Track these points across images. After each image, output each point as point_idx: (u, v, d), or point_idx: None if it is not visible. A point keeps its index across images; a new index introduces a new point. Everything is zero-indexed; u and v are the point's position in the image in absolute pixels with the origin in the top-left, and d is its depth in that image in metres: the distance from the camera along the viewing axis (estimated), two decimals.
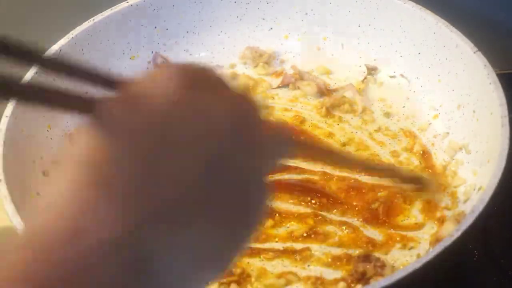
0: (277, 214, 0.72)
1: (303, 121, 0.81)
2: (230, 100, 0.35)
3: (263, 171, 0.37)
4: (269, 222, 0.71)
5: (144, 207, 0.30)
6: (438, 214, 0.70)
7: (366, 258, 0.66)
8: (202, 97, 0.33)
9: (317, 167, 0.75)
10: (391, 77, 0.83)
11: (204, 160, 0.32)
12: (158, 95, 0.32)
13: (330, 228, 0.70)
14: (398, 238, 0.69)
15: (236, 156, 0.34)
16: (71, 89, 0.32)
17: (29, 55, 0.31)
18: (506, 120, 0.65)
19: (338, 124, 0.80)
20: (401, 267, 0.66)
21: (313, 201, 0.72)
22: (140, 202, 0.30)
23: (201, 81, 0.34)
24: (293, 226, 0.71)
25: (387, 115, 0.80)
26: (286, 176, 0.75)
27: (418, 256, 0.67)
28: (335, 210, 0.72)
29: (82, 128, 0.32)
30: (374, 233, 0.70)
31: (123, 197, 0.30)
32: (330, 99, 0.81)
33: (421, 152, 0.76)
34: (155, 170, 0.31)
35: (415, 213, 0.71)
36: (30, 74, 0.68)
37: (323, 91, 0.83)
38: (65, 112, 0.32)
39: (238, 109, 0.35)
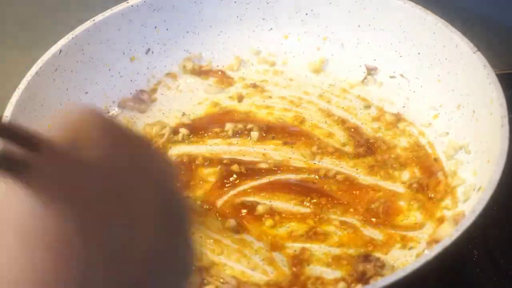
0: (277, 214, 0.72)
1: (303, 121, 0.81)
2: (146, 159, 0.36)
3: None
4: (269, 222, 0.71)
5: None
6: (438, 214, 0.70)
7: (366, 258, 0.66)
8: (124, 153, 0.34)
9: (317, 167, 0.76)
10: (391, 77, 0.83)
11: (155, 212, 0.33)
12: (86, 150, 0.32)
13: (330, 228, 0.70)
14: (398, 238, 0.69)
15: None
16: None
17: None
18: (506, 120, 0.65)
19: (338, 124, 0.80)
20: (401, 267, 0.65)
21: (313, 201, 0.72)
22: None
23: (119, 137, 0.35)
24: (293, 226, 0.71)
25: (387, 115, 0.80)
26: (285, 176, 0.75)
27: (418, 256, 0.67)
28: (335, 210, 0.72)
29: (11, 189, 0.31)
30: (374, 233, 0.70)
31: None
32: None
33: (421, 152, 0.76)
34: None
35: (415, 213, 0.71)
36: None
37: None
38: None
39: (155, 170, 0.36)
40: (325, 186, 0.74)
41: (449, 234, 0.60)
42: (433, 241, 0.66)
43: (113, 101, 0.83)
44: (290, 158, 0.77)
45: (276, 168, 0.76)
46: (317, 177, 0.75)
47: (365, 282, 0.65)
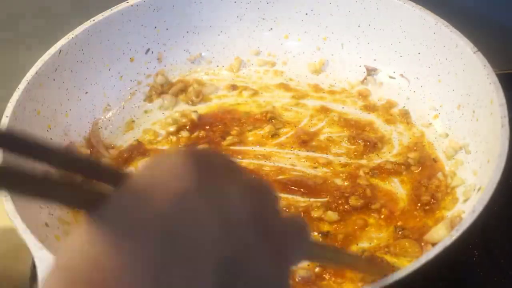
0: None
1: (303, 121, 0.81)
2: (243, 188, 0.33)
3: (285, 272, 0.35)
4: None
5: None
6: (438, 215, 0.70)
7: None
8: (212, 186, 0.31)
9: (319, 169, 0.76)
10: (391, 77, 0.83)
11: (218, 262, 0.30)
12: (165, 186, 0.30)
13: (330, 228, 0.70)
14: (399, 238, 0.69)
15: (253, 255, 0.32)
16: (78, 183, 0.30)
17: (39, 151, 0.30)
18: (506, 120, 0.65)
19: (338, 125, 0.80)
20: (401, 267, 0.65)
21: (313, 201, 0.72)
22: None
23: (211, 168, 0.33)
24: None
25: (387, 115, 0.80)
26: (286, 176, 0.75)
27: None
28: (336, 210, 0.71)
29: (84, 223, 0.30)
30: (376, 233, 0.70)
31: None
32: None
33: (421, 152, 0.76)
34: (164, 273, 0.29)
35: (414, 213, 0.71)
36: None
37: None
38: (77, 207, 0.31)
39: (254, 198, 0.33)
40: (325, 186, 0.74)
41: (442, 236, 0.60)
42: (426, 242, 0.66)
43: (113, 101, 0.83)
44: (290, 158, 0.77)
45: (276, 169, 0.76)
46: (317, 177, 0.75)
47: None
